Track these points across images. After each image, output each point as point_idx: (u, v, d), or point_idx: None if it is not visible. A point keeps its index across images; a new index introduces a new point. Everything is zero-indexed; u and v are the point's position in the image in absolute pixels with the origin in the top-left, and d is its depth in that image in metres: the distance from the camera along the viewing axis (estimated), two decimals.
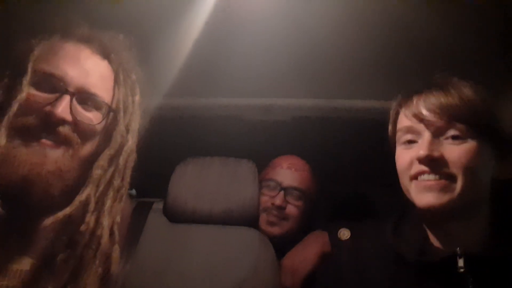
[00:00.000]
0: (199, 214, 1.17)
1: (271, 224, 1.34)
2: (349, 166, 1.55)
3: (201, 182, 1.20)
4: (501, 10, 1.00)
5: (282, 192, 1.36)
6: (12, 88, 0.80)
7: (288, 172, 1.40)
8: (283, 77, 1.30)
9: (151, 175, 1.33)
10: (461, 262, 0.72)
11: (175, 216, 1.18)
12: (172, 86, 1.24)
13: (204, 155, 1.29)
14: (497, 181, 0.77)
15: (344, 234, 1.21)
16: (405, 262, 0.78)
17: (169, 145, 1.41)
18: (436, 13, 1.02)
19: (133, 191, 1.43)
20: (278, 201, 1.34)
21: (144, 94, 0.97)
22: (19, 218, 0.78)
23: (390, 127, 0.88)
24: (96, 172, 0.84)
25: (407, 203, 0.81)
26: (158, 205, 1.22)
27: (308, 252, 1.23)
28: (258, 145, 1.51)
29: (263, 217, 1.33)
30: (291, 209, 1.36)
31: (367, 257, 0.86)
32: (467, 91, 0.78)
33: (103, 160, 0.86)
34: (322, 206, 1.56)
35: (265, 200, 1.36)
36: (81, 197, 0.82)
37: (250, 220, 1.18)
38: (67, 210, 0.80)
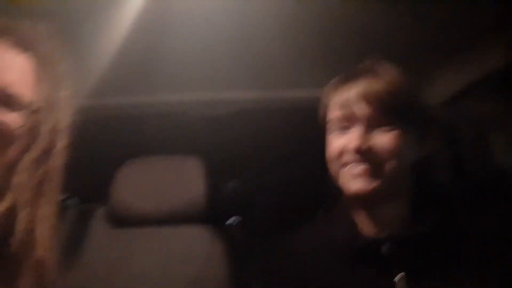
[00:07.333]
0: (145, 216, 1.14)
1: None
2: (297, 156, 1.56)
3: (145, 183, 1.17)
4: None
5: None
6: None
7: None
8: (223, 69, 1.28)
9: (93, 180, 1.28)
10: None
11: (120, 220, 1.14)
12: (108, 84, 1.18)
13: (148, 155, 1.25)
14: (416, 159, 0.81)
15: None
16: (337, 252, 0.80)
17: (111, 147, 1.35)
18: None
19: (75, 200, 1.37)
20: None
21: (74, 88, 0.91)
22: None
23: (321, 115, 0.88)
24: (18, 178, 0.78)
25: (334, 193, 0.83)
26: (101, 211, 1.18)
27: None
28: (204, 140, 1.49)
29: None
30: None
31: (306, 251, 0.87)
32: (396, 76, 0.79)
33: (24, 164, 0.79)
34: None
35: None
36: (1, 207, 0.76)
37: (198, 217, 1.17)
38: None
